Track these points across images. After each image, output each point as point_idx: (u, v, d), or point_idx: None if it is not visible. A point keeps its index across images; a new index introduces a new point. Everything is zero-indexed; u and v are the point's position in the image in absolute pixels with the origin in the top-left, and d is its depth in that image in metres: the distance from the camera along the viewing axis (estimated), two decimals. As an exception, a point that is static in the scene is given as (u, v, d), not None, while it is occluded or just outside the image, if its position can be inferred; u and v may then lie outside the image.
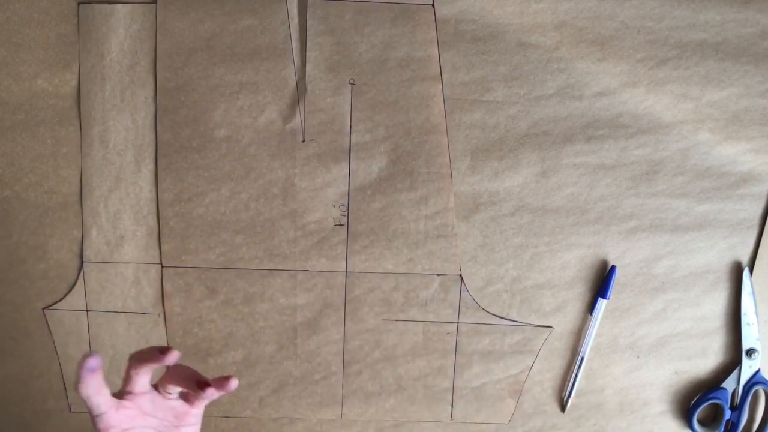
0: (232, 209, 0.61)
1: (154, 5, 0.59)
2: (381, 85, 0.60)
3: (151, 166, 0.61)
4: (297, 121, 0.61)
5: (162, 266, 0.62)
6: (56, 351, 0.63)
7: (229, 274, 0.62)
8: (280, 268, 0.62)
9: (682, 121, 0.61)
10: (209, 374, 0.63)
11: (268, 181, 0.61)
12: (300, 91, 0.60)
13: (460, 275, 0.63)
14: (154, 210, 0.61)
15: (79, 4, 0.59)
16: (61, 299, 0.62)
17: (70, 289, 0.62)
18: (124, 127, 0.60)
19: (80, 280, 0.62)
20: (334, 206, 0.62)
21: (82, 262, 0.62)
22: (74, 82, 0.60)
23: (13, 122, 0.60)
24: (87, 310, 0.63)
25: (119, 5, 0.59)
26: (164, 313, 0.63)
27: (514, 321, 0.64)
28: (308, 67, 0.60)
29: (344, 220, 0.62)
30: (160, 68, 0.59)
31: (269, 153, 0.61)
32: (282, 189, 0.61)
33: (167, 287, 0.62)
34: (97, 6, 0.58)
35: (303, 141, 0.61)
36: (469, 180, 0.62)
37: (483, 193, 0.62)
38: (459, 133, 0.61)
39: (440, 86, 0.60)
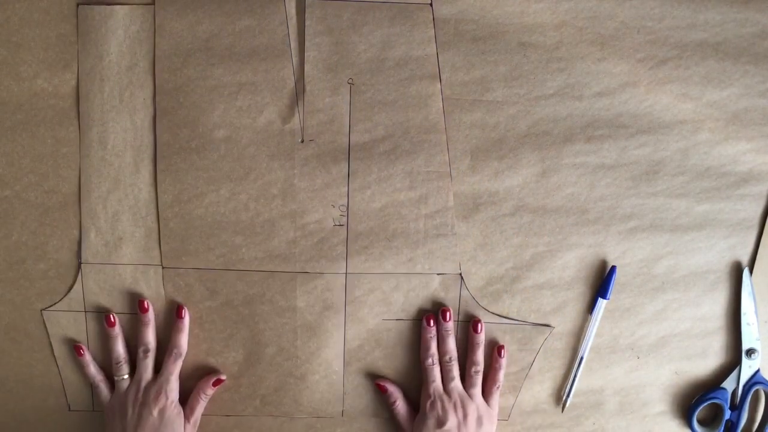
0: (231, 210, 0.61)
1: (152, 6, 0.58)
2: (380, 85, 0.60)
3: (150, 167, 0.61)
4: (296, 121, 0.60)
5: (162, 267, 0.62)
6: (53, 353, 0.63)
7: (229, 275, 0.62)
8: (280, 269, 0.62)
9: (682, 121, 0.61)
10: (208, 373, 0.64)
11: (268, 181, 0.61)
12: (299, 92, 0.60)
13: (460, 274, 0.63)
14: (153, 211, 0.61)
15: (78, 5, 0.58)
16: (59, 300, 0.62)
17: (68, 291, 0.62)
18: (122, 128, 0.60)
19: (78, 282, 0.62)
20: (334, 206, 0.62)
21: (80, 263, 0.62)
22: (74, 82, 0.60)
23: (13, 122, 0.60)
24: (85, 311, 0.63)
25: (118, 6, 0.58)
26: (164, 314, 0.63)
27: (514, 320, 0.64)
28: (307, 68, 0.60)
29: (344, 220, 0.62)
30: (159, 69, 0.59)
31: (268, 153, 0.61)
32: (281, 189, 0.61)
33: (167, 288, 0.62)
34: (96, 7, 0.58)
35: (302, 141, 0.61)
36: (469, 180, 0.62)
37: (483, 193, 0.62)
38: (459, 132, 0.61)
39: (439, 85, 0.60)
